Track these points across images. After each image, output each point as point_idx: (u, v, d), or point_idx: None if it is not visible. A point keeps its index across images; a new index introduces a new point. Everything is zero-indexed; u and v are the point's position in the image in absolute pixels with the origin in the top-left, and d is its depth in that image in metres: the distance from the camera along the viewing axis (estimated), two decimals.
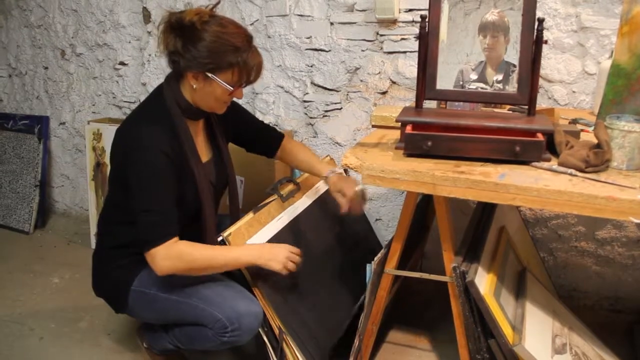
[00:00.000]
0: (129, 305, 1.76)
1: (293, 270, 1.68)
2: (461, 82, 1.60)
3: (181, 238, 1.66)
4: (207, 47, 1.54)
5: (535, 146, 1.42)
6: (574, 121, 1.82)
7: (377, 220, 2.48)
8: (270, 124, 2.53)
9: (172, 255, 1.56)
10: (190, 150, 1.65)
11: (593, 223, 2.18)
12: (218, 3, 1.68)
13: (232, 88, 1.59)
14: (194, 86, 1.60)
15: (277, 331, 1.75)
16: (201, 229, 1.72)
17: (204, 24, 1.54)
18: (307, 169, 1.96)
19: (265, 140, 1.98)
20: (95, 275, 1.88)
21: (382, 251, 1.68)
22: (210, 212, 1.73)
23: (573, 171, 1.38)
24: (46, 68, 3.17)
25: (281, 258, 1.65)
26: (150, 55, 2.82)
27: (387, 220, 2.48)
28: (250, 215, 1.81)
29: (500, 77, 1.58)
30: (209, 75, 1.56)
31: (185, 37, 1.55)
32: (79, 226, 3.16)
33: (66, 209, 3.35)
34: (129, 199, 1.59)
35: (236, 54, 1.54)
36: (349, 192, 1.75)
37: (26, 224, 3.16)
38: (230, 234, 1.70)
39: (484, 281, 1.57)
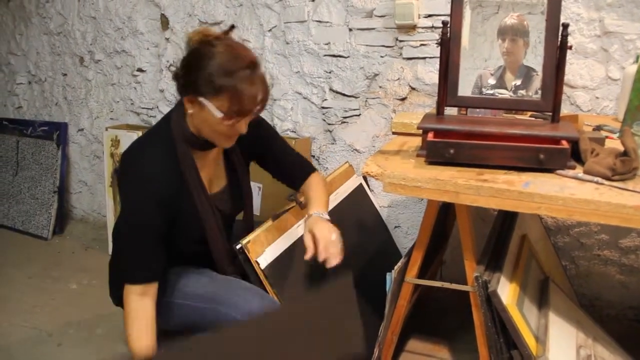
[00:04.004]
0: None
1: None
2: (480, 87, 1.57)
3: (193, 259, 1.67)
4: (195, 68, 1.45)
5: (560, 154, 1.40)
6: (598, 128, 1.79)
7: (395, 227, 2.46)
8: (288, 131, 2.54)
9: (125, 299, 1.52)
10: (193, 183, 1.58)
11: (617, 231, 2.14)
12: (232, 28, 1.55)
13: (221, 115, 1.44)
14: (190, 112, 1.50)
15: None
16: (211, 254, 1.70)
17: (205, 45, 1.45)
18: (308, 200, 1.77)
19: (293, 176, 1.83)
20: (113, 285, 1.88)
21: (403, 260, 1.66)
22: (216, 239, 1.67)
23: (599, 179, 1.35)
24: (65, 75, 3.19)
25: None
26: (168, 61, 2.82)
27: (406, 228, 2.45)
28: (269, 222, 1.79)
29: (519, 82, 1.55)
30: (201, 99, 1.44)
31: (186, 58, 1.49)
32: (97, 232, 3.18)
33: (84, 215, 3.36)
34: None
35: (228, 77, 1.41)
36: (320, 237, 1.58)
37: (45, 229, 3.18)
38: (249, 241, 1.69)
39: (506, 291, 1.54)
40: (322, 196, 1.76)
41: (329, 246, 1.58)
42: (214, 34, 1.49)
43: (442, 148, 1.42)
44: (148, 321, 1.51)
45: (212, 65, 1.42)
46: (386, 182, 1.42)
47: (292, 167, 1.82)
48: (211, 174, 1.69)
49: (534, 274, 1.80)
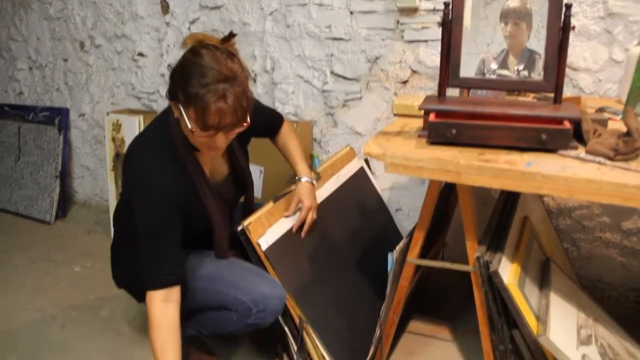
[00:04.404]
0: None
1: None
2: (482, 71, 1.56)
3: (195, 245, 1.70)
4: (177, 73, 1.45)
5: (562, 134, 1.39)
6: (601, 110, 1.79)
7: (397, 210, 2.46)
8: (290, 114, 2.54)
9: (148, 305, 1.53)
10: (196, 177, 1.61)
11: (618, 214, 2.14)
12: (232, 36, 1.52)
13: (191, 126, 1.43)
14: (176, 116, 1.50)
15: (297, 320, 1.74)
16: (213, 241, 1.73)
17: (193, 52, 1.44)
18: (290, 163, 1.92)
19: (270, 131, 1.93)
20: (115, 268, 1.89)
21: (404, 240, 1.66)
22: (219, 227, 1.70)
23: (602, 159, 1.35)
24: (66, 60, 3.18)
25: None
26: (168, 46, 2.81)
27: (407, 210, 2.45)
28: (270, 204, 1.80)
29: (522, 66, 1.55)
30: (180, 106, 1.45)
31: (177, 63, 1.48)
32: (99, 216, 3.19)
33: (86, 199, 3.37)
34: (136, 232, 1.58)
35: (200, 88, 1.38)
36: (305, 204, 1.81)
37: (47, 214, 3.19)
38: (250, 223, 1.69)
39: (507, 271, 1.54)
40: (302, 154, 1.92)
41: (308, 219, 1.81)
42: (210, 41, 1.47)
43: (443, 128, 1.42)
44: (172, 330, 1.52)
45: (190, 74, 1.41)
46: (388, 163, 1.42)
47: (268, 123, 1.90)
48: (213, 164, 1.70)
49: (535, 255, 1.81)
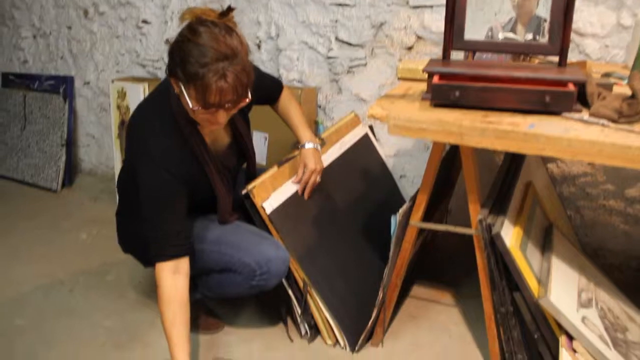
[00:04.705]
0: None
1: None
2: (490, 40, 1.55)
3: (200, 211, 1.72)
4: (176, 52, 1.44)
5: (566, 96, 1.39)
6: (607, 75, 1.77)
7: (401, 177, 2.47)
8: (294, 81, 2.53)
9: (157, 277, 1.55)
10: (198, 148, 1.61)
11: (623, 181, 2.14)
12: (230, 10, 1.50)
13: (192, 104, 1.44)
14: (176, 91, 1.50)
15: (301, 283, 1.77)
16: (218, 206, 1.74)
17: (191, 29, 1.42)
18: (293, 130, 1.92)
19: (271, 98, 1.93)
20: (120, 233, 1.91)
21: (407, 203, 1.67)
22: (223, 195, 1.71)
23: (605, 122, 1.35)
24: (69, 28, 3.17)
25: None
26: (173, 13, 2.80)
27: (411, 177, 2.46)
28: (274, 169, 1.81)
29: (530, 35, 1.53)
30: (180, 83, 1.45)
31: (175, 39, 1.46)
32: (105, 184, 3.20)
33: (92, 167, 3.39)
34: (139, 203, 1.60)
35: (200, 68, 1.38)
36: (309, 167, 1.81)
37: (54, 182, 3.21)
38: (254, 186, 1.70)
39: (509, 234, 1.55)
40: (303, 119, 1.92)
41: (311, 180, 1.83)
42: (207, 16, 1.46)
43: (447, 91, 1.42)
44: (182, 303, 1.54)
45: (189, 53, 1.40)
46: (391, 124, 1.42)
47: (268, 92, 1.89)
48: (214, 134, 1.70)
49: (538, 220, 1.81)
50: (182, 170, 1.57)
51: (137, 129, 1.63)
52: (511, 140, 1.32)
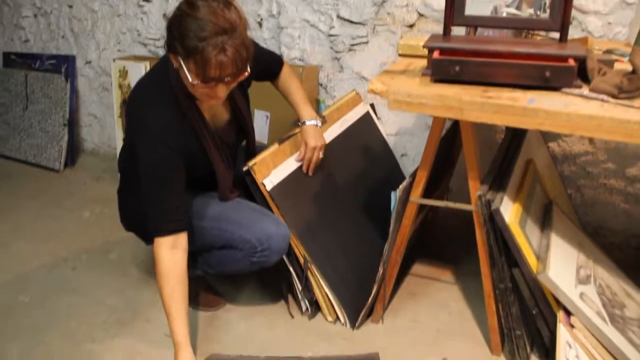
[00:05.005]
0: None
1: None
2: None
3: (200, 188, 1.71)
4: (174, 26, 1.43)
5: (566, 72, 1.38)
6: (609, 52, 1.76)
7: (402, 155, 2.47)
8: (295, 59, 2.53)
9: (156, 252, 1.56)
10: (197, 124, 1.61)
11: (623, 160, 2.13)
12: None
13: (192, 78, 1.44)
14: (176, 67, 1.49)
15: (301, 260, 1.78)
16: (217, 182, 1.74)
17: (189, 3, 1.42)
18: (293, 107, 1.91)
19: (271, 74, 1.93)
20: (122, 210, 1.92)
21: (408, 179, 1.67)
22: (222, 171, 1.71)
23: (605, 97, 1.34)
24: (70, 7, 3.16)
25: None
26: None
27: (412, 156, 2.46)
28: (275, 146, 1.81)
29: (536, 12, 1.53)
30: (179, 58, 1.44)
31: (172, 14, 1.46)
32: (108, 164, 3.21)
33: (94, 147, 3.39)
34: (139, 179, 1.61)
35: (199, 42, 1.37)
36: (310, 144, 1.81)
37: (56, 162, 3.22)
38: (255, 163, 1.71)
39: (509, 210, 1.56)
40: (304, 96, 1.91)
41: (314, 157, 1.82)
42: None
43: (447, 66, 1.41)
44: (181, 277, 1.56)
45: (188, 27, 1.39)
46: (391, 99, 1.42)
47: (268, 67, 1.89)
48: (213, 110, 1.70)
49: (538, 197, 1.82)
50: (181, 144, 1.58)
51: (136, 105, 1.63)
52: (510, 115, 1.32)
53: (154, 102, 1.58)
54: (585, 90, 1.39)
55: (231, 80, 1.47)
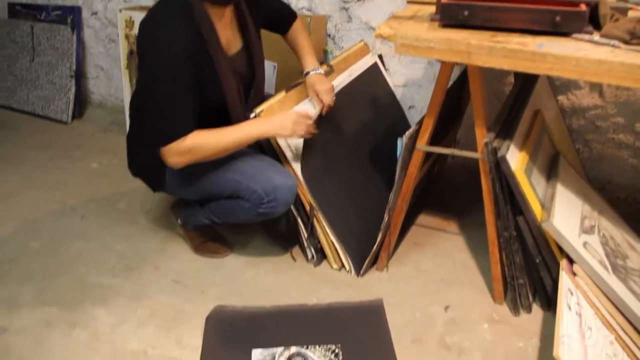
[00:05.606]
0: (167, 183, 1.80)
1: (304, 136, 1.70)
2: None
3: (211, 124, 1.67)
4: None
5: (577, 16, 1.36)
6: (624, 0, 1.73)
7: (410, 107, 2.46)
8: (303, 9, 2.49)
9: (183, 150, 1.57)
10: (212, 44, 1.58)
11: (633, 114, 2.12)
12: None
13: None
14: None
15: (307, 207, 1.79)
16: (229, 120, 1.72)
17: None
18: (298, 57, 1.91)
19: (282, 24, 1.92)
20: (131, 156, 1.93)
21: (414, 127, 1.67)
22: (235, 104, 1.69)
23: (616, 43, 1.32)
24: None
25: (289, 124, 1.64)
26: None
27: (420, 108, 2.44)
28: (282, 93, 1.81)
29: None
30: None
31: None
32: (115, 116, 3.21)
33: (102, 99, 3.39)
34: (145, 95, 1.61)
35: None
36: (324, 97, 1.80)
37: (64, 114, 3.22)
38: (262, 110, 1.71)
39: (515, 158, 1.56)
40: (310, 48, 1.91)
41: (326, 101, 1.81)
42: None
43: (455, 10, 1.40)
44: (205, 132, 1.60)
45: None
46: (398, 43, 1.41)
47: (281, 16, 1.90)
48: (228, 35, 1.69)
49: (545, 148, 1.81)
50: (192, 50, 1.53)
51: (149, 24, 1.58)
52: (519, 60, 1.30)
53: (169, 18, 1.55)
54: (596, 36, 1.37)
55: None
